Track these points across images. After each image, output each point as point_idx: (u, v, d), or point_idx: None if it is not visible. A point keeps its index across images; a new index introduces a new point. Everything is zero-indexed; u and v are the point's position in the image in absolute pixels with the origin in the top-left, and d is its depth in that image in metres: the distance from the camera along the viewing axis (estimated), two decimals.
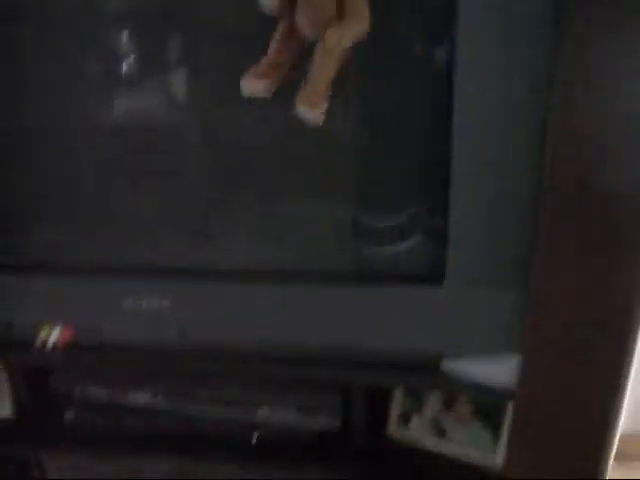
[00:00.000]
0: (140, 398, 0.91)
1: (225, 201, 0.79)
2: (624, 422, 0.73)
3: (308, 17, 0.57)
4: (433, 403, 0.91)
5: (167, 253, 0.79)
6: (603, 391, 0.71)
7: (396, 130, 0.73)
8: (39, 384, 0.95)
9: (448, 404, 0.90)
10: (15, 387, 0.95)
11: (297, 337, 0.78)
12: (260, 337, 0.79)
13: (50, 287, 0.80)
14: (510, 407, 0.79)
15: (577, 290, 0.68)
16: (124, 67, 0.76)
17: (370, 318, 0.76)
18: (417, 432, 0.91)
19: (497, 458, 0.85)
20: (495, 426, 0.87)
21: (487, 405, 0.88)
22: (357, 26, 0.58)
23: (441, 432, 0.90)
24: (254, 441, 0.90)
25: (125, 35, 0.76)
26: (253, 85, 0.61)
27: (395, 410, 0.92)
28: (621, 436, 0.74)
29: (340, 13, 0.57)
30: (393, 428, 0.92)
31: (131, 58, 0.76)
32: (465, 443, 0.89)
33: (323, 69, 0.59)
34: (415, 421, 0.91)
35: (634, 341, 0.68)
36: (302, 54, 0.60)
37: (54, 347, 0.78)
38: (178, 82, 0.76)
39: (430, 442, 0.90)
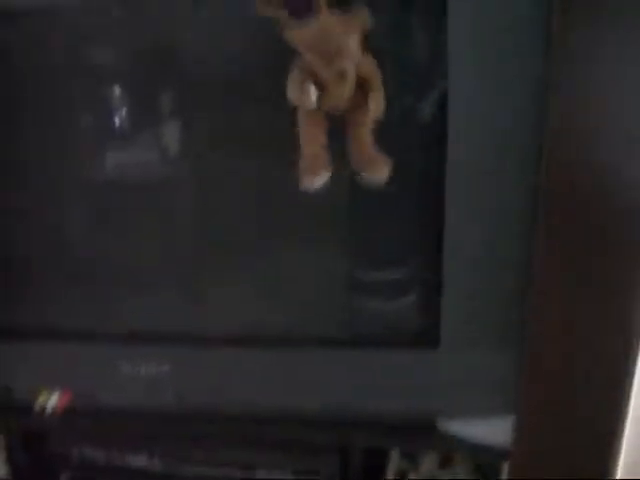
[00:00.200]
0: (137, 460, 0.90)
1: (220, 265, 0.80)
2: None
3: (334, 100, 0.60)
4: (429, 463, 0.91)
5: (164, 318, 0.79)
6: (599, 452, 0.72)
7: (389, 190, 0.74)
8: (36, 445, 0.94)
9: (444, 463, 0.90)
10: (11, 448, 0.95)
11: (293, 399, 0.78)
12: (256, 400, 0.79)
13: (48, 352, 0.80)
14: (506, 467, 0.80)
15: (571, 353, 0.69)
16: (114, 124, 0.77)
17: (365, 381, 0.77)
18: None
19: None
20: None
21: (484, 465, 0.88)
22: (381, 93, 0.61)
23: None
24: None
25: (117, 91, 0.77)
26: (316, 181, 0.63)
27: (391, 470, 0.91)
28: None
29: (360, 86, 0.60)
30: None
31: (119, 115, 0.77)
32: None
33: (364, 134, 0.62)
34: None
35: (627, 405, 0.69)
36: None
37: (53, 412, 0.79)
38: (169, 138, 0.77)
39: None
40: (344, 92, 0.60)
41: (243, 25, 0.70)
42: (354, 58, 0.59)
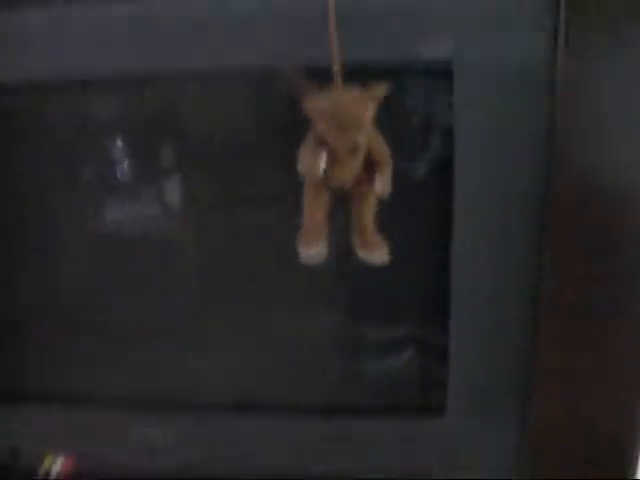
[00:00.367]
0: None
1: (219, 333, 0.80)
2: None
3: (343, 172, 0.60)
4: None
5: (168, 384, 0.80)
6: None
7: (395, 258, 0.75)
8: None
9: None
10: None
11: (295, 465, 0.78)
12: (258, 465, 0.79)
13: (54, 417, 0.81)
14: None
15: (578, 418, 0.69)
16: (113, 181, 0.78)
17: (371, 447, 0.77)
18: None
19: None
20: None
21: None
22: (390, 169, 0.61)
23: None
24: None
25: (119, 149, 0.78)
26: (311, 252, 0.63)
27: None
28: None
29: (368, 161, 0.60)
30: None
31: (119, 172, 0.78)
32: None
33: (367, 213, 0.62)
34: None
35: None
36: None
37: (57, 477, 0.78)
38: (170, 194, 0.78)
39: None
40: (354, 167, 0.60)
41: (253, 89, 0.72)
42: (367, 133, 0.59)
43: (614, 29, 0.60)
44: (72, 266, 0.81)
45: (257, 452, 0.79)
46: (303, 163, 0.60)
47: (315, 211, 0.62)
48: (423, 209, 0.73)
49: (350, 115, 0.58)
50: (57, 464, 0.79)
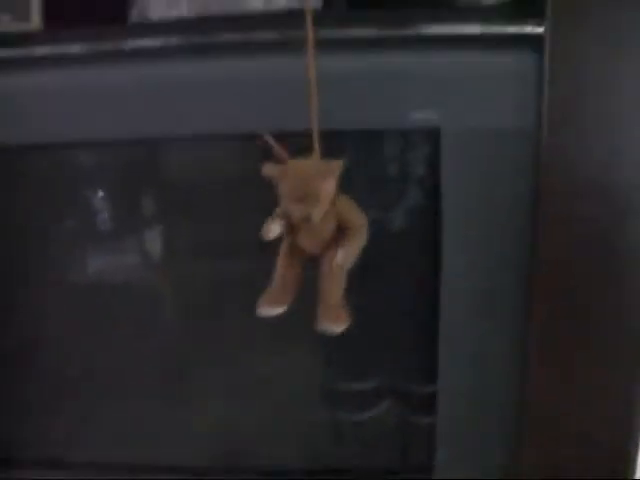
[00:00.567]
0: None
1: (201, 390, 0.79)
2: None
3: (309, 239, 0.58)
4: None
5: (149, 448, 0.79)
6: None
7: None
8: None
9: None
10: None
11: None
12: None
13: None
14: None
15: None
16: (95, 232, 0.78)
17: None
18: None
19: None
20: None
21: None
22: (359, 242, 0.59)
23: None
24: None
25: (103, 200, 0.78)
26: (271, 313, 0.60)
27: None
28: None
29: (341, 229, 0.59)
30: None
31: (101, 222, 0.78)
32: None
33: (334, 284, 0.59)
34: None
35: None
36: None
37: None
38: (151, 245, 0.78)
39: None
40: (320, 236, 0.58)
41: (234, 149, 0.72)
42: (327, 203, 0.57)
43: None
44: (50, 318, 0.80)
45: None
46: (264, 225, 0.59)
47: (283, 271, 0.60)
48: (407, 262, 0.72)
49: (307, 186, 0.56)
50: None
